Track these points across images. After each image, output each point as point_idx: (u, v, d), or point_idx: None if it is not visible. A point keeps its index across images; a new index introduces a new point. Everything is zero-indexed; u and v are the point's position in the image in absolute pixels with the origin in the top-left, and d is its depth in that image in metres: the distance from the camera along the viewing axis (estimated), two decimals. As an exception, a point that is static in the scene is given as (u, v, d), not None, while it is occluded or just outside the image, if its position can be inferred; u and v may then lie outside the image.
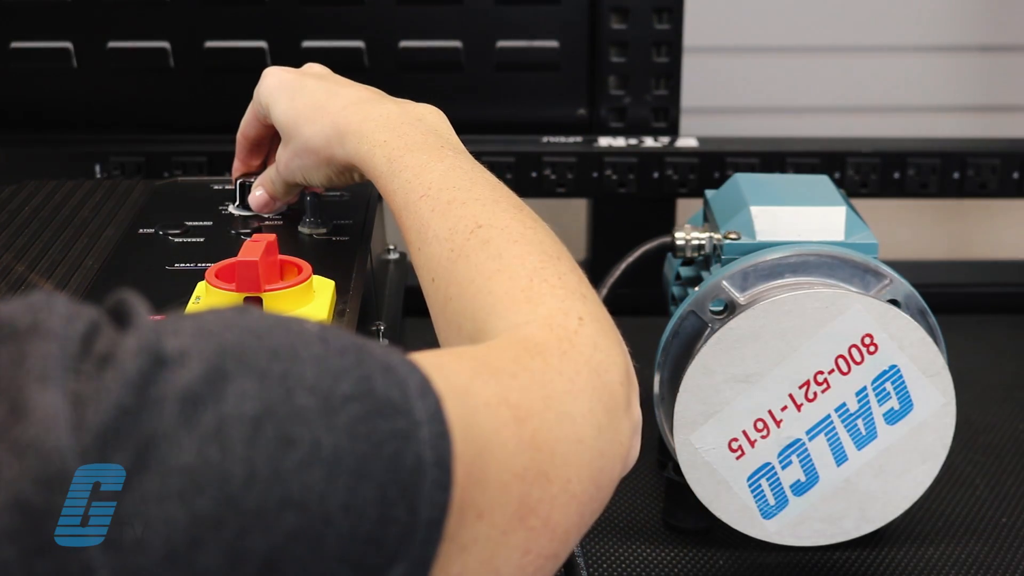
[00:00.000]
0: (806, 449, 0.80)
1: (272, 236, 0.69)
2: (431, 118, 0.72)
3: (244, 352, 0.42)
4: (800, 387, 0.79)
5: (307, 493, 0.40)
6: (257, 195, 0.83)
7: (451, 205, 0.63)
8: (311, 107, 0.75)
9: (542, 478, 0.49)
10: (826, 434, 0.80)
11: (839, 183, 1.17)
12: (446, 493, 0.44)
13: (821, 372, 0.79)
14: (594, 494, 0.52)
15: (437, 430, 0.44)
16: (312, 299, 0.69)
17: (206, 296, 0.68)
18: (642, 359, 1.02)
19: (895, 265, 0.84)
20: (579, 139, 1.18)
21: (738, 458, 0.80)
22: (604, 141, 1.18)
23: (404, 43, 1.16)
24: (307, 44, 1.15)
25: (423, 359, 0.47)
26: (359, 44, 1.16)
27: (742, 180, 0.90)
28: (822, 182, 0.91)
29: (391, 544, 0.42)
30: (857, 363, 0.79)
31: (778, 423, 0.80)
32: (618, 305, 0.90)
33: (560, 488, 0.49)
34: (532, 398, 0.50)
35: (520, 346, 0.53)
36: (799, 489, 0.81)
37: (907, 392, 0.80)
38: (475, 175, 0.65)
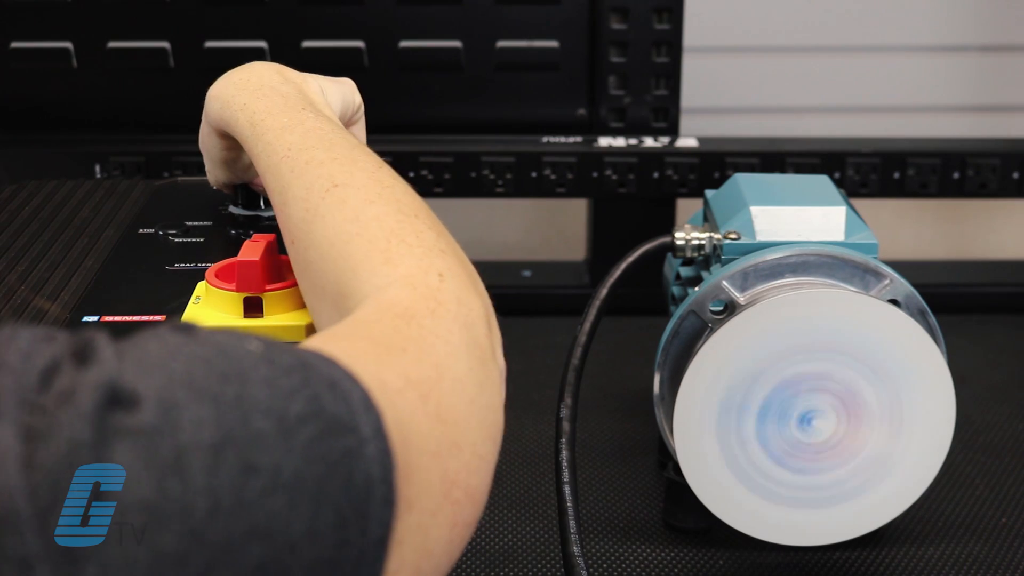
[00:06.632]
0: (806, 448, 0.80)
1: (272, 236, 0.69)
2: (297, 80, 0.72)
3: (193, 379, 0.40)
4: (800, 387, 0.79)
5: (272, 521, 0.39)
6: None
7: (309, 165, 0.62)
8: None
9: (454, 449, 0.48)
10: (826, 434, 0.80)
11: (839, 183, 1.17)
12: (390, 508, 0.43)
13: (821, 372, 0.79)
14: (493, 449, 0.52)
15: (381, 446, 0.43)
16: (312, 299, 0.69)
17: (206, 296, 0.68)
18: (642, 359, 1.02)
19: (895, 265, 0.84)
20: (579, 139, 1.18)
21: (738, 458, 0.80)
22: (604, 141, 1.18)
23: (404, 43, 1.16)
24: (307, 44, 1.15)
25: (331, 348, 0.46)
26: (359, 44, 1.16)
27: (742, 180, 0.89)
28: (822, 182, 0.91)
29: (348, 567, 0.41)
30: (857, 363, 0.79)
31: (778, 423, 0.80)
32: (618, 305, 0.91)
33: (471, 453, 0.49)
34: (426, 370, 0.49)
35: (391, 313, 0.52)
36: (799, 489, 0.81)
37: (907, 392, 0.80)
38: (335, 137, 0.65)
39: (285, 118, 0.67)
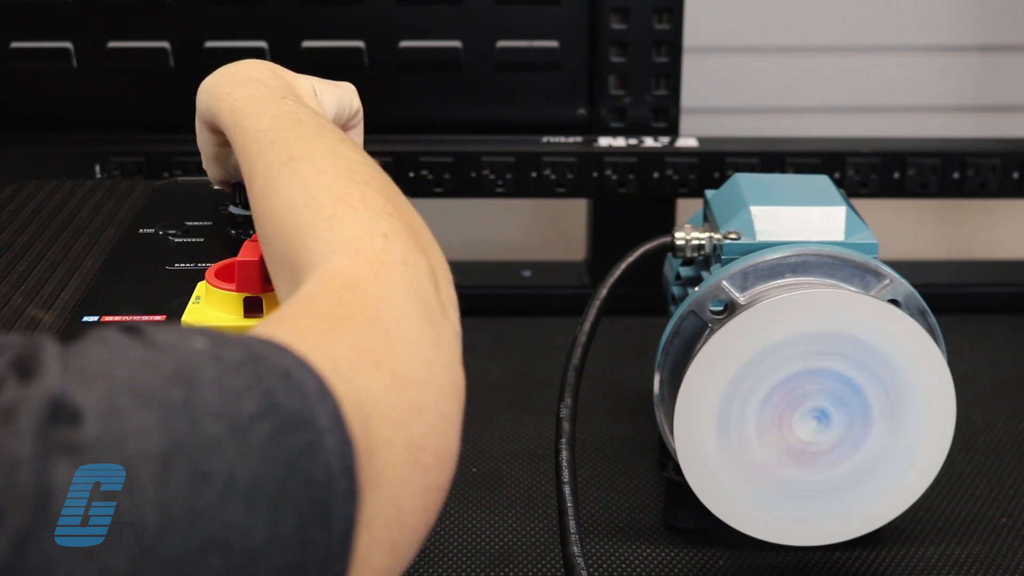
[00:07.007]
0: (806, 448, 0.80)
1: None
2: (288, 77, 0.72)
3: (138, 384, 0.38)
4: (800, 387, 0.79)
5: (229, 531, 0.37)
6: None
7: (274, 143, 0.61)
8: None
9: (417, 412, 0.46)
10: (826, 434, 0.80)
11: (839, 183, 1.17)
12: (353, 501, 0.41)
13: (821, 372, 0.79)
14: (457, 407, 0.50)
15: (341, 436, 0.41)
16: (312, 299, 0.69)
17: (206, 296, 0.68)
18: (642, 359, 1.02)
19: (895, 265, 0.84)
20: (579, 139, 1.18)
21: (738, 458, 0.80)
22: (604, 141, 1.18)
23: (404, 43, 1.16)
24: (307, 44, 1.15)
25: (280, 332, 0.45)
26: (359, 44, 1.16)
27: (742, 180, 0.90)
28: (822, 182, 0.91)
29: (312, 568, 0.40)
30: (857, 363, 0.79)
31: (778, 423, 0.80)
32: (618, 305, 0.91)
33: (435, 413, 0.47)
34: (375, 337, 0.47)
35: (336, 283, 0.50)
36: (799, 489, 0.81)
37: (907, 392, 0.80)
38: (306, 119, 0.64)
39: (262, 105, 0.67)
